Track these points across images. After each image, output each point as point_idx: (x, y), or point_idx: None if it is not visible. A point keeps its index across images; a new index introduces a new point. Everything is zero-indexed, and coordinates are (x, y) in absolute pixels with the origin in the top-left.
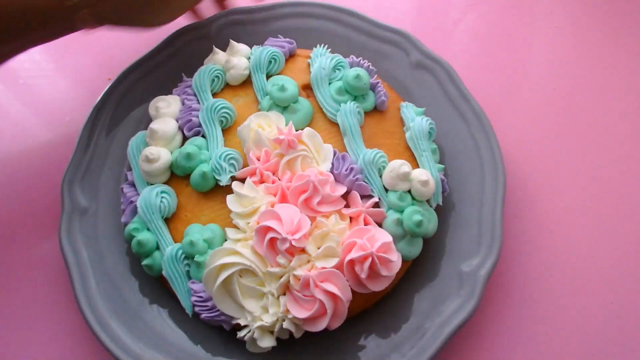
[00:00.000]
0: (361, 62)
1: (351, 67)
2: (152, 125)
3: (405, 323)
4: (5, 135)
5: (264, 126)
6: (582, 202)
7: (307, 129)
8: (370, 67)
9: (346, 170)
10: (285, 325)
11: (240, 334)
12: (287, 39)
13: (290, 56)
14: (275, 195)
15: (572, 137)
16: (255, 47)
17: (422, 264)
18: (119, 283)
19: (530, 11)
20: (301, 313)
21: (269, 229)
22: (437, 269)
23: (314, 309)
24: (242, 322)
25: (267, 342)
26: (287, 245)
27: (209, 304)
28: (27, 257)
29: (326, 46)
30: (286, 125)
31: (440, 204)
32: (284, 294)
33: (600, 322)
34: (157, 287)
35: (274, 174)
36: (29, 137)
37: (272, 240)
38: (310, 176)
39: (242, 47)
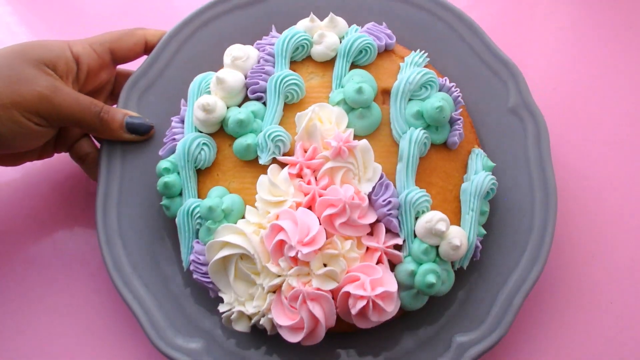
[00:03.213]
0: (452, 89)
1: (440, 89)
2: (220, 74)
3: (384, 355)
4: None
5: (324, 120)
6: None
7: (364, 143)
8: (460, 98)
9: (384, 201)
10: (263, 321)
11: (222, 308)
12: (390, 32)
13: (386, 50)
14: (305, 195)
15: None
16: (352, 27)
17: (421, 314)
18: (142, 207)
19: None
20: (281, 319)
21: (281, 229)
22: (432, 324)
23: (294, 322)
24: (225, 300)
25: (241, 327)
26: (293, 253)
27: (204, 268)
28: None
29: (426, 54)
30: (347, 127)
31: (464, 267)
32: (274, 292)
33: None
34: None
35: (314, 172)
36: None
37: (281, 242)
38: (345, 195)
39: (341, 23)
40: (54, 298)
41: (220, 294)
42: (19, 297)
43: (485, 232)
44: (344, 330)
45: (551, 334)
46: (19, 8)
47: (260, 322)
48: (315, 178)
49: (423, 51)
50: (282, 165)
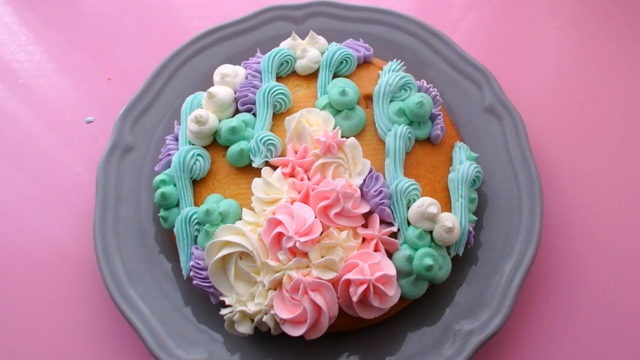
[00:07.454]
0: (430, 89)
1: (419, 90)
2: (211, 90)
3: (387, 357)
4: (5, 135)
5: (312, 123)
6: None
7: (352, 139)
8: (438, 97)
9: (375, 191)
10: (266, 319)
11: (223, 311)
12: (367, 45)
13: (365, 62)
14: (299, 193)
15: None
16: (332, 43)
17: (423, 306)
18: (134, 223)
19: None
20: (283, 313)
21: (279, 222)
22: (435, 316)
23: (296, 314)
24: (227, 301)
25: (244, 328)
26: (291, 244)
27: (204, 273)
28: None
29: (402, 63)
30: (334, 128)
31: (460, 254)
32: (275, 289)
33: None
34: (168, 239)
35: (306, 171)
36: (29, 137)
37: (279, 235)
38: (337, 186)
39: (321, 40)
40: (52, 307)
41: (221, 298)
42: (17, 305)
43: (476, 218)
44: (347, 329)
45: (549, 328)
46: (19, 8)
47: (263, 320)
48: (308, 176)
49: (400, 60)
50: (275, 168)
